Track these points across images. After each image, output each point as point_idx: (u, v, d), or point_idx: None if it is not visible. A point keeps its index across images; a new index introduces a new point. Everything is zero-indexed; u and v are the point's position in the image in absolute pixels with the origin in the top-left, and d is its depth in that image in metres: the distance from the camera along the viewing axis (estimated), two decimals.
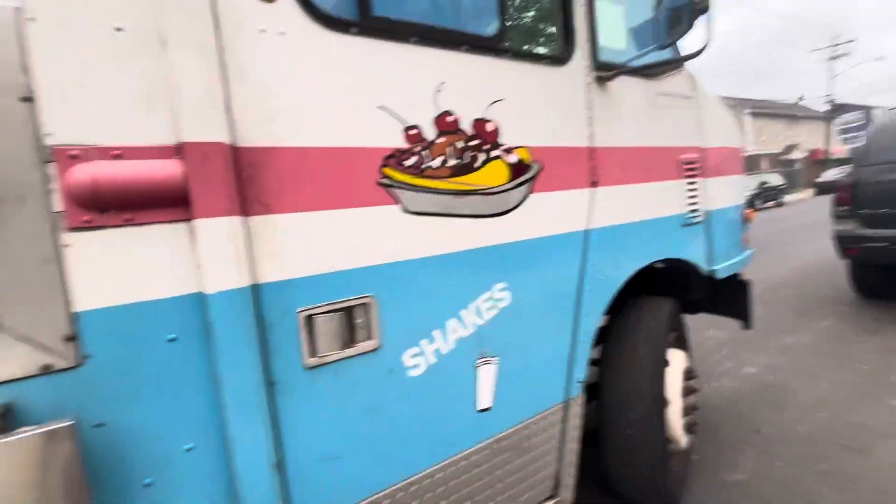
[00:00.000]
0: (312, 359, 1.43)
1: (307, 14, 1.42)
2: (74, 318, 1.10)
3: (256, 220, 1.34)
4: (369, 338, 1.53)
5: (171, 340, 1.22)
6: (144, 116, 1.18)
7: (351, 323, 1.50)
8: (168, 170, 1.20)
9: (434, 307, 1.70)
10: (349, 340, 1.49)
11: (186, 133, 1.20)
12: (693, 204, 2.89)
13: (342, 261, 1.48)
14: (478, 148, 1.77)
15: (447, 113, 1.69)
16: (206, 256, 1.22)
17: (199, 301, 1.25)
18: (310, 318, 1.42)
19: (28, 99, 1.05)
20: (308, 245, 1.42)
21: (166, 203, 1.21)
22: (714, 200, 3.10)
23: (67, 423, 1.00)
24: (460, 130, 1.73)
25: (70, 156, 1.09)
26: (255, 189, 1.33)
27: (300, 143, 1.40)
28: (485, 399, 1.86)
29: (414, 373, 1.65)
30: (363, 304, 1.52)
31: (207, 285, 1.23)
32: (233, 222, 1.26)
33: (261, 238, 1.34)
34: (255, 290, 1.32)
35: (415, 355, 1.65)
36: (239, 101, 1.31)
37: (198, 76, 1.22)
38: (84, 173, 1.10)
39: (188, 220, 1.23)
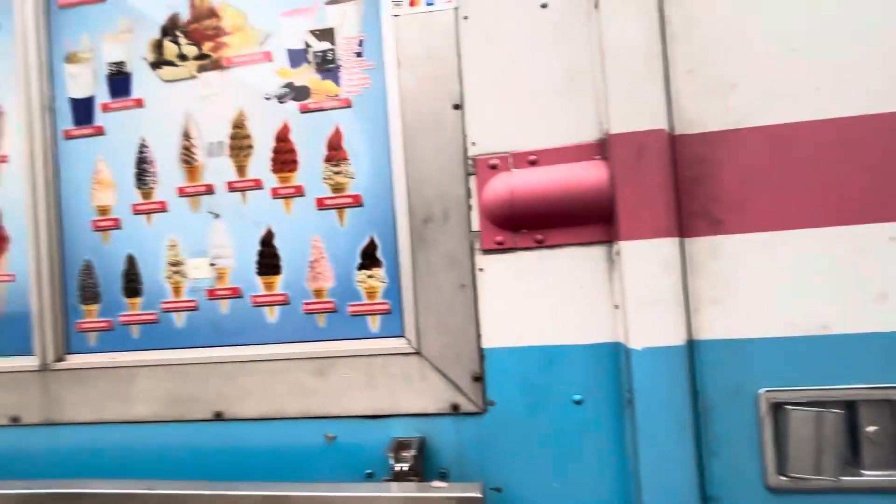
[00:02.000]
0: (782, 478, 0.84)
1: None
2: (482, 355, 0.95)
3: (700, 245, 0.88)
4: None
5: (578, 402, 0.92)
6: (564, 107, 0.93)
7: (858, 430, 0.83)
8: (588, 175, 0.90)
9: None
10: (860, 464, 0.82)
11: (615, 121, 0.87)
12: None
13: (840, 320, 0.83)
14: None
15: None
16: (630, 294, 0.86)
17: (616, 354, 0.90)
18: (781, 408, 0.85)
19: (458, 106, 0.96)
20: (783, 287, 0.85)
21: (581, 218, 0.91)
22: None
23: (476, 494, 0.81)
24: None
25: (490, 166, 0.95)
26: (704, 197, 0.88)
27: (782, 118, 0.85)
28: None
29: None
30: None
31: (630, 335, 0.85)
32: (670, 247, 0.85)
33: (705, 272, 0.87)
34: (692, 349, 0.87)
35: None
36: (683, 67, 0.89)
37: (633, 40, 0.87)
38: (501, 186, 0.93)
39: (609, 241, 0.90)
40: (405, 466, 0.88)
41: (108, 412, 1.08)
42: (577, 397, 0.92)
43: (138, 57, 1.12)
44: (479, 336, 0.94)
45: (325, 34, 1.04)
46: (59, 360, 1.12)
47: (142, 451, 1.06)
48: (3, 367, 1.13)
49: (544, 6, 0.93)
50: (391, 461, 0.89)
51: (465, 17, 0.96)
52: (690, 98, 0.89)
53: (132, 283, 1.12)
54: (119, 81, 1.13)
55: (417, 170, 0.97)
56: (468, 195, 0.95)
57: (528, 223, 0.93)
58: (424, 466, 0.93)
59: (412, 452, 0.90)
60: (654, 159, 0.85)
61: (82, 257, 1.14)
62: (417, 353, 0.96)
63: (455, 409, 0.95)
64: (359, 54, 1.02)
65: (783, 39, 0.86)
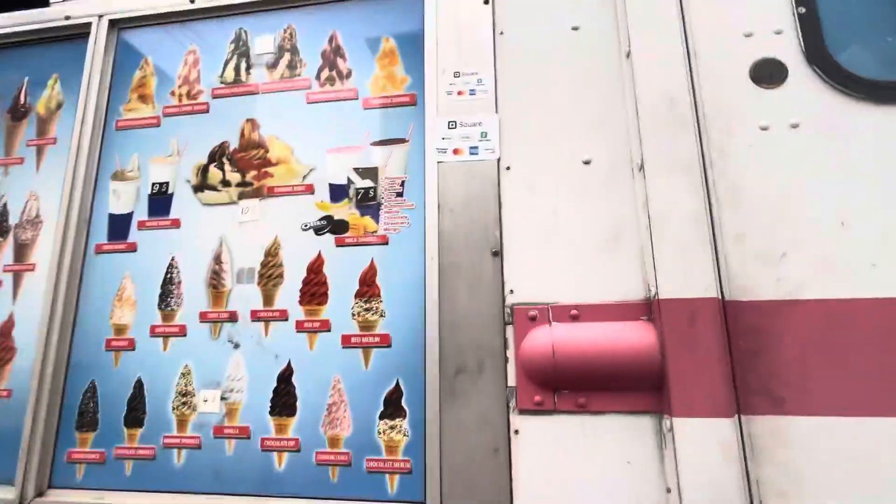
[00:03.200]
0: None
1: (835, 87, 0.90)
2: None
3: (763, 426, 0.80)
4: None
5: None
6: (608, 262, 0.90)
7: None
8: (635, 335, 0.85)
9: None
10: None
11: (663, 285, 0.83)
12: None
13: None
14: None
15: None
16: (686, 481, 0.76)
17: None
18: None
19: (497, 253, 0.94)
20: (856, 481, 0.75)
21: (629, 383, 0.84)
22: None
23: None
24: None
25: (529, 317, 0.90)
26: (763, 371, 0.81)
27: (839, 292, 0.82)
28: None
29: None
30: None
31: None
32: (730, 430, 0.77)
33: (771, 460, 0.78)
34: None
35: None
36: (731, 232, 0.88)
37: (678, 204, 0.87)
38: (542, 340, 0.88)
39: (660, 413, 0.83)
40: None
41: None
42: None
43: (182, 179, 1.15)
44: None
45: (369, 172, 1.06)
46: (40, 494, 1.00)
47: None
48: None
49: (587, 163, 0.95)
50: None
51: (508, 168, 0.97)
52: (740, 264, 0.86)
53: (135, 412, 1.03)
54: (160, 201, 1.14)
55: (452, 314, 0.92)
56: (504, 346, 0.90)
57: (569, 384, 0.86)
58: None
59: None
60: (707, 328, 0.81)
61: (89, 378, 1.07)
62: None
63: None
64: (400, 194, 1.04)
65: (833, 211, 0.85)
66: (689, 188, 0.87)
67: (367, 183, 1.05)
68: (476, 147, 0.98)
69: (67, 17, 1.28)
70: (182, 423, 1.01)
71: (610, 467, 0.83)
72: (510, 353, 0.89)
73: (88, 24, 1.26)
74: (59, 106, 1.27)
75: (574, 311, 0.89)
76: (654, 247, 0.85)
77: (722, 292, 0.84)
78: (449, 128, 1.00)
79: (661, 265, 0.84)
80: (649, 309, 0.86)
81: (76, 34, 1.29)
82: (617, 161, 0.94)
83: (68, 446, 1.04)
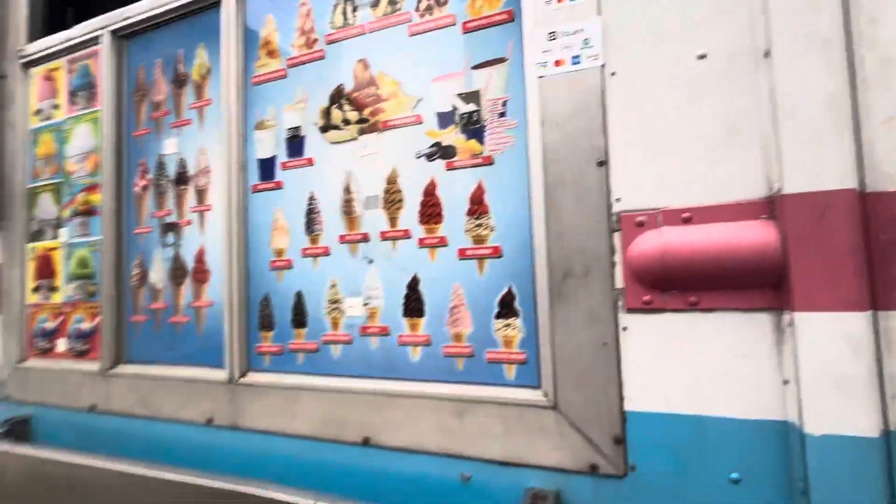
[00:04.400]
0: None
1: None
2: (624, 417, 0.92)
3: None
4: None
5: (735, 482, 0.85)
6: (724, 162, 0.87)
7: None
8: (753, 235, 0.83)
9: None
10: None
11: (790, 179, 0.79)
12: None
13: None
14: None
15: None
16: (807, 372, 0.77)
17: (784, 434, 0.81)
18: None
19: (602, 163, 0.96)
20: None
21: (744, 282, 0.84)
22: None
23: None
24: None
25: (637, 223, 0.93)
26: None
27: None
28: None
29: None
30: None
31: (806, 418, 0.76)
32: (861, 323, 0.74)
33: None
34: (890, 442, 0.74)
35: None
36: (879, 115, 0.78)
37: (812, 88, 0.79)
38: (650, 244, 0.90)
39: (780, 309, 0.82)
40: None
41: (277, 424, 1.26)
42: (735, 476, 0.84)
43: (310, 123, 1.32)
44: (621, 397, 0.92)
45: (471, 96, 1.11)
46: (243, 375, 1.34)
47: (301, 464, 1.22)
48: (203, 376, 1.39)
49: (702, 57, 0.89)
50: None
51: (613, 74, 0.95)
52: (888, 150, 0.77)
53: (299, 316, 1.30)
54: (295, 144, 1.34)
55: (557, 224, 0.98)
56: (611, 252, 0.94)
57: (680, 284, 0.88)
58: None
59: None
60: (840, 222, 0.76)
61: (263, 291, 1.36)
62: (554, 407, 0.97)
63: (593, 469, 0.93)
64: (502, 114, 1.08)
65: None
66: (827, 69, 0.78)
67: (471, 107, 1.11)
68: (578, 56, 0.97)
69: None
70: (335, 324, 1.25)
71: (722, 360, 0.86)
72: (617, 258, 0.94)
73: None
74: (208, 71, 1.51)
75: (686, 214, 0.89)
76: (780, 138, 0.80)
77: (863, 182, 0.77)
78: (549, 39, 1.00)
79: (788, 157, 0.79)
80: (770, 207, 0.83)
81: (211, 5, 1.48)
82: (737, 51, 0.87)
83: (256, 342, 1.36)
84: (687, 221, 0.89)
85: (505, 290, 1.07)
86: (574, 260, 0.97)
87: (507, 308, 1.06)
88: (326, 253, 1.27)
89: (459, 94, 1.13)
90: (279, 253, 1.35)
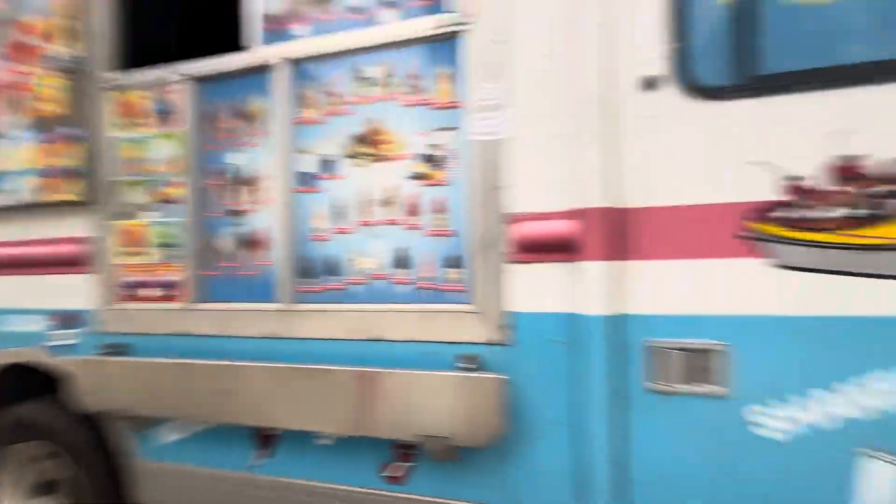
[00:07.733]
0: (650, 383, 1.66)
1: (688, 95, 1.64)
2: (508, 314, 1.84)
3: (630, 265, 1.70)
4: (717, 384, 1.60)
5: (557, 341, 1.79)
6: (559, 190, 1.79)
7: (699, 365, 1.63)
8: (565, 228, 1.77)
9: (805, 371, 1.55)
10: (692, 380, 1.63)
11: (582, 201, 1.73)
12: None
13: (694, 306, 1.63)
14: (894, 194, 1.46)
15: (849, 158, 1.50)
16: (587, 288, 1.72)
17: (576, 319, 1.76)
18: (656, 349, 1.66)
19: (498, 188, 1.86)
20: (668, 288, 1.67)
21: (562, 249, 1.78)
22: None
23: (504, 377, 1.74)
24: (865, 176, 1.48)
25: (516, 219, 1.84)
26: (633, 240, 1.70)
27: (669, 201, 1.66)
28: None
29: (761, 432, 1.56)
30: (712, 349, 1.61)
31: (586, 308, 1.71)
32: (611, 266, 1.69)
33: (629, 278, 1.70)
34: (620, 318, 1.70)
35: (767, 415, 1.56)
36: (624, 170, 1.71)
37: (592, 162, 1.71)
38: (520, 231, 1.83)
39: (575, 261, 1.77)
40: None
41: (317, 334, 2.11)
42: (558, 338, 1.79)
43: (339, 152, 2.15)
44: (505, 302, 1.85)
45: (436, 146, 1.99)
46: (290, 304, 2.17)
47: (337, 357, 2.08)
48: (261, 308, 2.20)
49: (556, 137, 1.81)
50: None
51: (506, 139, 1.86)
52: (627, 190, 1.73)
53: (329, 268, 2.15)
54: (328, 164, 2.16)
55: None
56: (505, 234, 1.86)
57: (534, 249, 1.82)
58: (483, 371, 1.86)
59: None
60: (604, 222, 1.71)
61: (301, 253, 2.19)
62: (476, 312, 1.89)
63: (490, 342, 1.86)
64: (454, 157, 1.97)
65: None
66: (601, 151, 1.72)
67: (437, 152, 2.00)
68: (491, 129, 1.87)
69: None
70: (353, 272, 2.11)
71: (552, 289, 1.80)
72: (505, 237, 1.86)
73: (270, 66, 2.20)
74: (264, 113, 2.28)
75: (543, 216, 1.82)
76: (582, 182, 1.74)
77: (619, 202, 1.73)
78: (480, 120, 1.90)
79: (580, 193, 1.74)
80: (577, 214, 1.77)
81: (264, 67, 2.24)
82: (570, 135, 1.80)
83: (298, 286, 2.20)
84: (543, 219, 1.81)
85: (456, 252, 1.97)
86: (489, 239, 1.88)
87: (454, 261, 1.97)
88: (349, 232, 2.13)
89: (430, 144, 2.00)
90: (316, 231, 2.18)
